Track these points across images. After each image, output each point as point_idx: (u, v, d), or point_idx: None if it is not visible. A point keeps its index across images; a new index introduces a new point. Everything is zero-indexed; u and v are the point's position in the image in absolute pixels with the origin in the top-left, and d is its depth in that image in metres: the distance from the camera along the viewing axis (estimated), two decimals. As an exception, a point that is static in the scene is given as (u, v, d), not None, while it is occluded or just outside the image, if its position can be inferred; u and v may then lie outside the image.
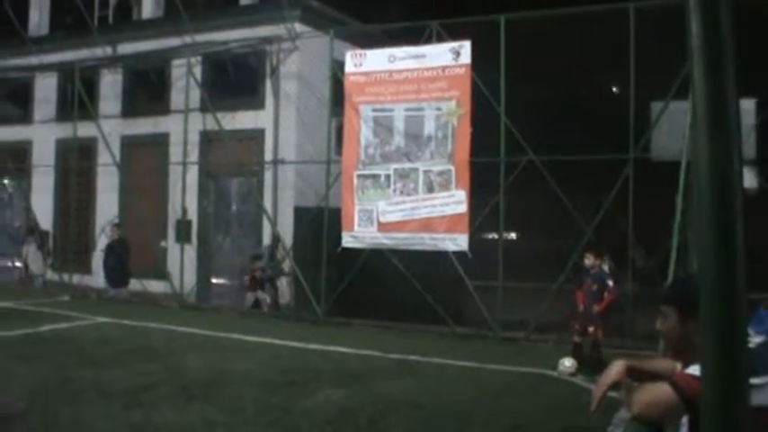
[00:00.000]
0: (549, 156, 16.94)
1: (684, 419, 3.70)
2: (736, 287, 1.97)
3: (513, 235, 26.68)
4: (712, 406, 2.03)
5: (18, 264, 24.88)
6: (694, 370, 3.23)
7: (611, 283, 14.08)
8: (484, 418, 9.78)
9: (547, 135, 17.75)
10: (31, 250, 23.94)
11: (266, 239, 20.57)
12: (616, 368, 3.80)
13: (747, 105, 15.03)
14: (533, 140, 17.01)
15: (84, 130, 23.22)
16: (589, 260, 14.54)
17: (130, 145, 23.08)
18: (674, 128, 14.54)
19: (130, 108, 23.21)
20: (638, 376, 3.82)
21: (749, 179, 16.19)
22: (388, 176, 17.86)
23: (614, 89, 23.95)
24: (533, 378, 12.39)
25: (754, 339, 3.44)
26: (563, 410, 9.80)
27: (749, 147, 15.29)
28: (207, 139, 21.66)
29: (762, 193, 15.46)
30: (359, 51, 18.57)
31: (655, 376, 3.73)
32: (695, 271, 2.10)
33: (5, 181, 26.84)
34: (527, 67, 18.11)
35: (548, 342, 15.84)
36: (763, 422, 3.17)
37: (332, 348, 14.61)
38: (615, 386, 3.74)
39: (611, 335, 15.94)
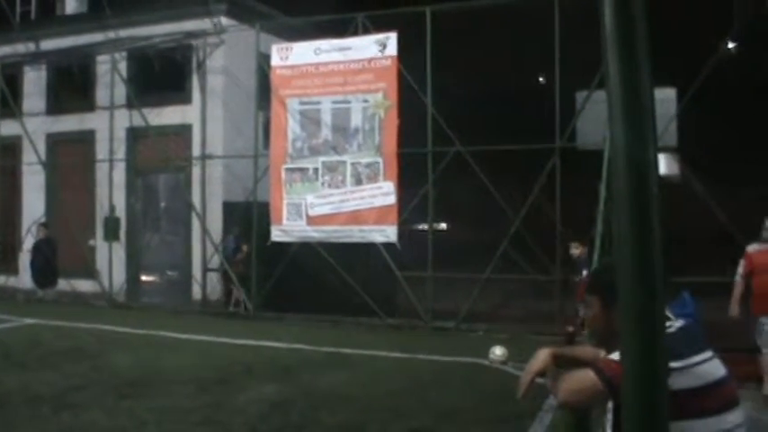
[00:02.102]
0: (477, 146, 17.02)
1: (610, 404, 3.75)
2: (653, 273, 1.97)
3: (442, 225, 26.75)
4: (633, 391, 2.03)
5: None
6: (617, 356, 3.27)
7: None
8: (416, 408, 9.81)
9: (474, 126, 17.85)
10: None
11: (196, 235, 20.38)
12: (542, 356, 3.83)
13: (668, 94, 15.25)
14: (461, 131, 17.08)
15: (8, 128, 22.84)
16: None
17: (56, 143, 22.71)
18: (598, 117, 14.69)
19: (55, 105, 22.84)
20: (563, 363, 3.86)
21: (671, 167, 16.44)
22: (316, 170, 17.85)
23: (540, 79, 24.13)
24: (464, 367, 12.43)
25: (675, 324, 3.49)
26: (494, 398, 9.85)
27: (670, 135, 15.50)
28: (134, 135, 21.40)
29: (683, 179, 15.71)
30: (285, 45, 18.52)
31: (580, 363, 3.76)
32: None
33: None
34: (454, 58, 18.20)
35: (478, 331, 15.94)
36: (685, 405, 3.21)
37: (263, 343, 14.57)
38: (542, 373, 3.77)
39: (542, 322, 16.12)
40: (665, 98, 15.28)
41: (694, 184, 15.32)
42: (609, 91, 2.02)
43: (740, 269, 10.94)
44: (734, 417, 3.38)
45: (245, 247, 19.05)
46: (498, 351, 12.23)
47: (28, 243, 22.20)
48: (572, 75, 16.08)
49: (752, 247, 10.95)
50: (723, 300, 14.44)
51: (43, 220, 21.99)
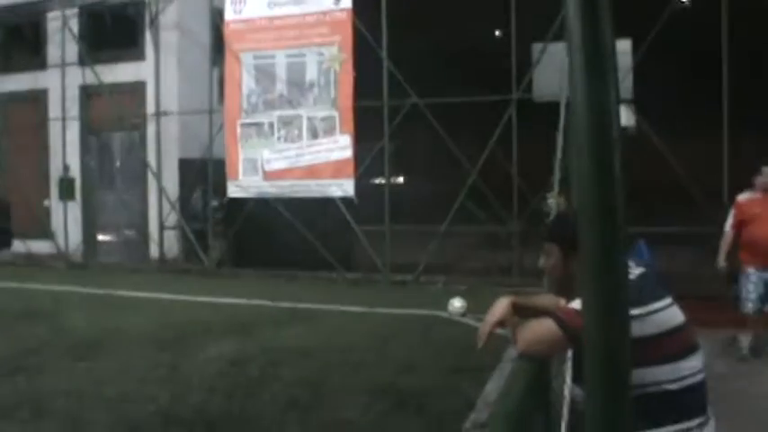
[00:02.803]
0: (433, 98, 16.99)
1: (570, 353, 3.75)
2: (614, 220, 1.97)
3: (399, 179, 26.75)
4: (595, 339, 2.04)
5: None
6: (577, 304, 3.25)
7: None
8: (375, 361, 9.83)
9: (431, 79, 17.81)
10: None
11: (152, 193, 20.23)
12: (501, 305, 3.82)
13: (624, 46, 15.26)
14: (417, 84, 17.04)
15: (-44, 87, 22.51)
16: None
17: (6, 102, 22.36)
18: (554, 68, 14.70)
19: (5, 64, 22.45)
20: (523, 313, 3.85)
21: (626, 118, 16.50)
22: (271, 124, 17.77)
23: (497, 32, 24.09)
24: (424, 320, 12.46)
25: (634, 271, 3.49)
26: (454, 350, 9.88)
27: (626, 87, 15.55)
28: (87, 93, 21.12)
29: (639, 131, 15.77)
30: (238, -2, 18.34)
31: (539, 312, 3.75)
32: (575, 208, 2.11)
33: None
34: (409, 10, 18.08)
35: (437, 284, 15.98)
36: (646, 352, 3.22)
37: (221, 300, 14.55)
38: (501, 323, 3.76)
39: (500, 274, 16.19)
40: (621, 50, 15.27)
41: (650, 135, 15.39)
42: (570, 43, 1.99)
43: (730, 219, 10.71)
44: (693, 362, 3.41)
45: (215, 203, 18.92)
46: (457, 303, 12.27)
47: (-22, 204, 21.92)
48: (528, 26, 16.08)
49: (742, 196, 10.71)
50: (676, 249, 14.61)
51: (-5, 181, 21.75)
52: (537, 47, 16.18)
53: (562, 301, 3.66)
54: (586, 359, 2.07)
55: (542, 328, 3.48)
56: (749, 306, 10.45)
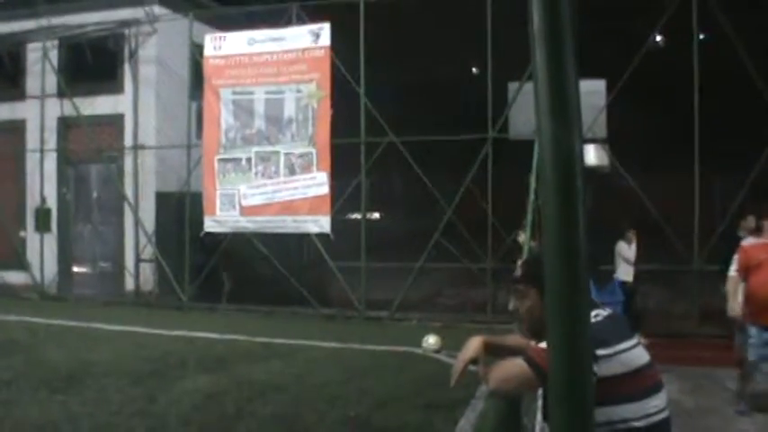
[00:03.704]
0: (410, 136, 17.13)
1: (540, 391, 3.86)
2: (578, 260, 2.05)
3: (375, 215, 26.84)
4: (558, 377, 2.11)
5: None
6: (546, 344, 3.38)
7: None
8: (350, 397, 9.88)
9: (408, 116, 17.96)
10: None
11: (128, 226, 20.24)
12: (473, 344, 3.93)
13: (598, 86, 15.49)
14: (394, 122, 17.17)
15: (-65, 116, 22.50)
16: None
17: (-16, 132, 22.42)
18: (530, 107, 14.84)
19: (-16, 94, 22.54)
20: (494, 352, 3.97)
21: (600, 157, 16.69)
22: (249, 160, 17.85)
23: (474, 70, 24.30)
24: (398, 356, 12.54)
25: (603, 313, 3.62)
26: (428, 386, 9.96)
27: (600, 126, 15.77)
28: (65, 124, 21.16)
29: (612, 169, 15.98)
30: (218, 34, 18.47)
31: (510, 351, 3.87)
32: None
33: None
34: (387, 48, 18.27)
35: (411, 320, 16.06)
36: (612, 391, 3.34)
37: (197, 334, 14.55)
38: (474, 361, 3.86)
39: (475, 310, 16.30)
40: (595, 90, 15.53)
41: (622, 174, 15.59)
42: (536, 83, 2.09)
43: (735, 264, 9.97)
44: (658, 401, 3.53)
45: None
46: (432, 340, 12.36)
47: (-45, 235, 21.87)
48: (504, 66, 16.24)
49: (747, 241, 10.10)
50: (649, 287, 14.76)
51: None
52: (513, 86, 16.38)
53: (532, 342, 3.76)
54: (550, 397, 2.17)
55: (513, 367, 3.59)
56: (750, 361, 9.97)
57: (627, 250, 14.78)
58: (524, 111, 15.70)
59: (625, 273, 14.78)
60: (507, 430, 3.78)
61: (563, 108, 2.05)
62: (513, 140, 16.51)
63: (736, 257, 10.01)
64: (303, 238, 17.73)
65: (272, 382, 10.70)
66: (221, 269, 18.94)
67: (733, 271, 10.02)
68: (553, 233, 2.07)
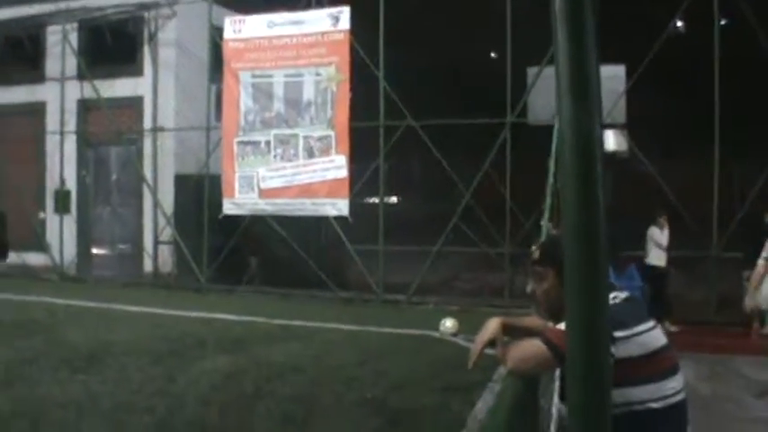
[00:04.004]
0: (428, 120, 17.12)
1: (557, 373, 3.89)
2: (597, 243, 2.06)
3: (393, 199, 26.84)
4: (577, 358, 2.12)
5: None
6: (564, 325, 3.40)
7: None
8: (367, 379, 9.90)
9: (426, 100, 17.94)
10: None
11: (147, 208, 20.31)
12: (491, 325, 3.95)
13: (618, 71, 15.45)
14: (413, 106, 17.16)
15: (-45, 98, 22.62)
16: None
17: (5, 114, 22.44)
18: (549, 92, 14.83)
19: (4, 76, 22.55)
20: (512, 333, 3.98)
21: (620, 143, 16.66)
22: (268, 142, 17.88)
23: (492, 54, 24.22)
24: (415, 339, 12.54)
25: (621, 295, 3.64)
26: (444, 369, 9.96)
27: (619, 112, 15.72)
28: (85, 107, 21.23)
29: (630, 154, 15.94)
30: (238, 17, 18.49)
31: (528, 333, 3.89)
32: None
33: None
34: (407, 32, 18.24)
35: (428, 304, 16.07)
36: (629, 372, 3.36)
37: (215, 316, 14.59)
38: (492, 343, 3.88)
39: (492, 295, 16.30)
40: (615, 75, 15.49)
41: (641, 159, 15.55)
42: (557, 64, 2.10)
43: (765, 252, 9.77)
44: (675, 383, 3.55)
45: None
46: (448, 323, 12.36)
47: (-25, 215, 21.95)
48: (524, 50, 16.20)
49: None
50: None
51: (-9, 192, 21.77)
52: (532, 71, 16.35)
53: (550, 323, 3.78)
54: (568, 380, 2.19)
55: (531, 347, 3.61)
56: None
57: (659, 235, 14.80)
58: (543, 95, 15.67)
59: (657, 257, 14.82)
60: (524, 411, 3.81)
61: (583, 90, 2.06)
62: (531, 125, 16.49)
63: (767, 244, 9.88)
64: (321, 221, 17.75)
65: (290, 364, 10.73)
66: (248, 252, 19.01)
67: (763, 258, 9.84)
68: (573, 216, 2.08)
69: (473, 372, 4.16)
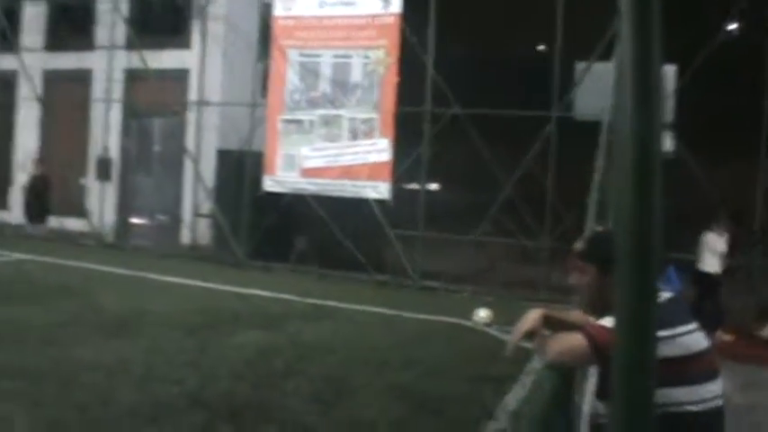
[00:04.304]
0: (474, 109, 17.04)
1: (593, 370, 3.85)
2: (650, 244, 2.04)
3: (435, 185, 26.77)
4: (623, 357, 2.11)
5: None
6: (606, 321, 3.37)
7: None
8: (398, 364, 9.89)
9: (473, 88, 17.85)
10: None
11: (188, 180, 20.39)
12: (532, 316, 3.92)
13: (668, 71, 15.31)
14: (459, 94, 17.10)
15: (5, 62, 22.82)
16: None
17: (52, 80, 22.62)
18: (597, 88, 14.74)
19: (53, 42, 22.71)
20: (552, 326, 3.95)
21: (666, 143, 16.53)
22: (312, 122, 17.90)
23: (541, 47, 24.08)
24: (449, 327, 12.54)
25: (664, 294, 3.59)
26: (477, 358, 9.95)
27: (667, 111, 15.59)
28: (131, 77, 21.34)
29: (677, 155, 15.80)
30: (289, -5, 18.49)
31: (569, 327, 3.86)
32: (611, 228, 2.17)
33: None
34: (458, 18, 18.14)
35: (464, 293, 16.02)
36: (670, 372, 3.32)
37: (251, 291, 14.63)
38: (531, 334, 3.86)
39: (527, 288, 16.22)
40: (665, 74, 15.35)
41: (688, 160, 15.41)
42: (621, 64, 2.07)
43: None
44: (714, 387, 3.52)
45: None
46: (483, 313, 12.27)
47: (21, 179, 22.20)
48: (573, 44, 16.11)
49: None
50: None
51: (37, 156, 21.95)
52: (581, 65, 16.23)
53: (591, 319, 3.75)
54: (614, 376, 2.16)
55: (571, 340, 3.59)
56: None
57: (716, 241, 14.51)
58: (591, 91, 15.56)
59: (710, 264, 14.52)
60: (559, 404, 3.78)
61: (646, 86, 2.04)
62: (577, 120, 16.38)
63: None
64: (361, 203, 17.73)
65: (323, 344, 10.75)
66: (295, 231, 19.04)
67: None
68: (627, 214, 2.06)
69: (505, 363, 4.13)
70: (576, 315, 4.15)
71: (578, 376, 4.68)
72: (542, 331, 3.87)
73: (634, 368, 2.11)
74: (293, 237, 18.66)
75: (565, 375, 3.89)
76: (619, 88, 1.94)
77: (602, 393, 3.60)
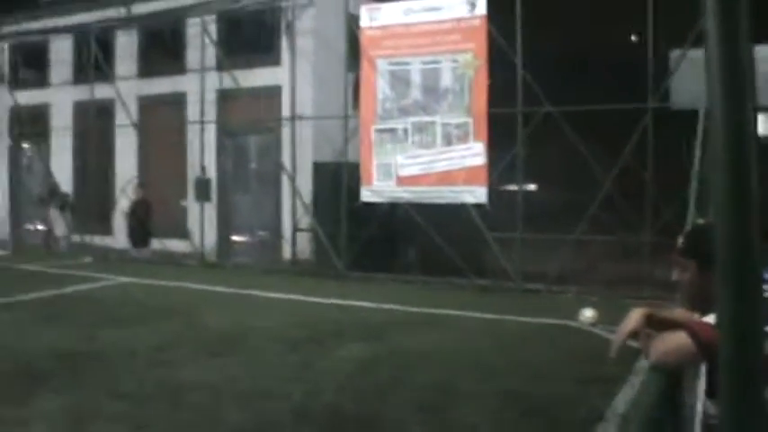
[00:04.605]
0: (567, 106, 16.85)
1: (703, 368, 3.73)
2: (750, 236, 1.95)
3: (532, 186, 26.58)
4: (729, 355, 2.02)
5: (42, 227, 25.13)
6: (711, 319, 3.26)
7: None
8: (505, 368, 9.83)
9: (565, 85, 17.67)
10: (53, 213, 24.21)
11: (285, 196, 20.53)
12: (635, 316, 3.82)
13: (765, 53, 14.93)
14: (551, 91, 16.92)
15: (101, 91, 23.30)
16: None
17: (147, 105, 23.03)
18: (693, 76, 14.43)
19: (146, 68, 23.13)
20: (656, 325, 3.84)
21: (763, 126, 16.11)
22: (405, 130, 17.88)
23: (633, 38, 23.76)
24: (554, 329, 12.42)
25: (768, 288, 3.46)
26: (584, 360, 9.81)
27: (765, 94, 15.18)
28: (224, 97, 21.61)
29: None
30: (374, 5, 18.54)
31: (673, 325, 3.75)
32: (712, 221, 2.08)
33: (25, 145, 26.82)
34: (544, 15, 17.99)
35: (568, 293, 15.83)
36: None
37: (352, 303, 14.68)
38: (634, 335, 3.76)
39: (632, 285, 15.96)
40: (762, 56, 14.98)
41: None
42: (708, 51, 1.99)
43: None
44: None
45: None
46: (588, 313, 12.09)
47: (121, 204, 22.63)
48: (666, 33, 15.82)
49: None
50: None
51: (137, 181, 22.35)
52: (675, 53, 15.92)
53: (696, 316, 3.64)
54: (720, 375, 2.08)
55: (676, 339, 3.48)
56: None
57: None
58: (687, 79, 15.23)
59: None
60: (668, 406, 3.67)
61: (734, 68, 1.95)
62: (674, 110, 16.07)
63: None
64: (459, 208, 17.63)
65: (427, 352, 10.73)
66: (392, 241, 19.06)
67: None
68: (724, 206, 1.97)
69: (613, 363, 4.04)
70: (679, 313, 4.03)
71: (688, 375, 4.56)
72: (646, 330, 3.76)
73: (740, 367, 2.01)
74: (393, 246, 18.65)
75: (672, 375, 3.77)
76: (706, 70, 1.85)
77: (711, 392, 3.48)
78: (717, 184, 1.98)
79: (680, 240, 3.91)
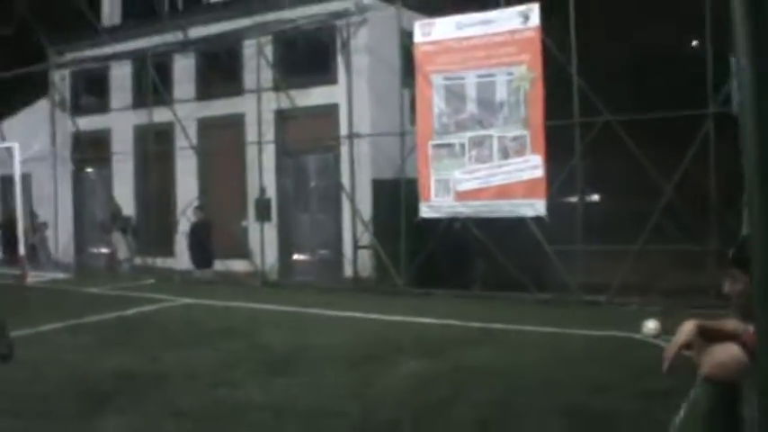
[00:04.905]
0: (625, 115, 16.69)
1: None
2: None
3: (592, 197, 26.40)
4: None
5: (105, 250, 25.46)
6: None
7: None
8: (566, 383, 9.72)
9: (622, 93, 17.52)
10: (116, 237, 24.53)
11: (345, 213, 20.56)
12: (687, 328, 3.78)
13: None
14: (608, 100, 16.77)
15: (161, 115, 23.60)
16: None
17: (206, 127, 23.22)
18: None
19: (204, 91, 23.34)
20: (709, 336, 3.78)
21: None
22: (462, 145, 17.83)
23: (693, 43, 23.53)
24: (616, 341, 12.27)
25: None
26: (646, 373, 9.64)
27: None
28: (282, 117, 21.72)
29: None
30: (427, 21, 18.54)
31: (726, 336, 3.68)
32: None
33: (88, 170, 27.20)
34: (599, 24, 17.87)
35: (630, 305, 15.63)
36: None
37: (413, 319, 14.66)
38: (687, 346, 3.70)
39: (696, 295, 15.72)
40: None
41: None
42: (737, 57, 1.94)
43: None
44: None
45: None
46: (651, 324, 11.92)
47: (183, 226, 22.84)
48: (725, 37, 15.62)
49: None
50: None
51: (197, 203, 22.56)
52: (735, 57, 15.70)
53: (750, 327, 3.56)
54: (760, 385, 2.02)
55: (727, 352, 3.43)
56: None
57: None
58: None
59: None
60: (721, 420, 3.59)
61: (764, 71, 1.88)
62: (735, 115, 15.85)
63: None
64: (517, 222, 17.53)
65: (488, 367, 10.66)
66: (462, 256, 19.00)
67: None
68: (757, 214, 1.90)
69: (675, 377, 3.97)
70: (732, 324, 3.95)
71: (746, 386, 4.46)
72: (698, 342, 3.70)
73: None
74: (453, 262, 18.57)
75: (729, 388, 3.68)
76: (737, 69, 1.80)
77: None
78: (749, 191, 1.92)
79: (731, 251, 3.84)
